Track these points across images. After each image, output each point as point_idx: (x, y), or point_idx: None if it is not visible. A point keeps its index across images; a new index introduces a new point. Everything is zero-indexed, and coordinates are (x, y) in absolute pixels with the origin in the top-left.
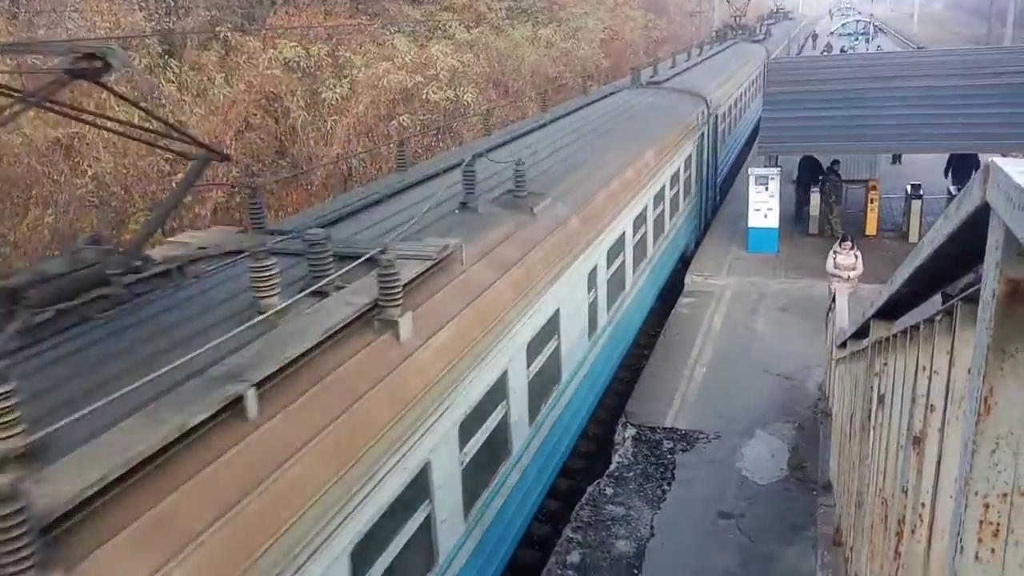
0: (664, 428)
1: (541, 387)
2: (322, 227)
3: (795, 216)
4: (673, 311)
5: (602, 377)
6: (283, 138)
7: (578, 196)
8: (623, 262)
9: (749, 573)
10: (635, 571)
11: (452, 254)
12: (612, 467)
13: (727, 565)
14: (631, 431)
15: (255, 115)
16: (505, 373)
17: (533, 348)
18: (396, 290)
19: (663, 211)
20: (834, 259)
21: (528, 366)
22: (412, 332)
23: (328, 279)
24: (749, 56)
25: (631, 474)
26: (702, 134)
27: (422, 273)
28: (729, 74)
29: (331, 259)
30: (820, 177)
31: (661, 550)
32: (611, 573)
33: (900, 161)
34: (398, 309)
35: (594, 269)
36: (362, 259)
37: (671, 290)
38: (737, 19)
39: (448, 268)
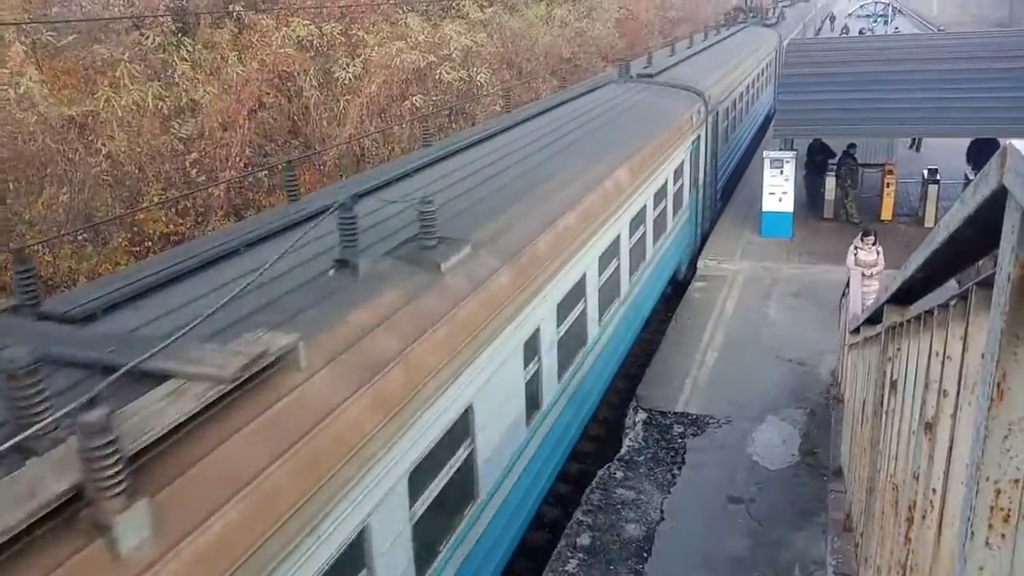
0: (675, 413)
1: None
2: (106, 308)
3: (805, 203)
4: (685, 296)
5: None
6: (296, 118)
7: (513, 240)
8: (583, 312)
9: (758, 558)
10: (644, 554)
11: (282, 359)
12: (623, 451)
13: (736, 550)
14: (642, 415)
15: (268, 94)
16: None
17: (418, 482)
18: (113, 468)
19: (644, 235)
20: (855, 255)
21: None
22: (149, 536)
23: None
24: (759, 42)
25: (641, 458)
26: (698, 137)
27: (207, 408)
28: (734, 64)
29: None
30: (836, 161)
31: (671, 534)
32: (620, 556)
33: (919, 149)
34: (117, 500)
35: (535, 335)
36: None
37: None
38: (749, 1)
39: (273, 383)
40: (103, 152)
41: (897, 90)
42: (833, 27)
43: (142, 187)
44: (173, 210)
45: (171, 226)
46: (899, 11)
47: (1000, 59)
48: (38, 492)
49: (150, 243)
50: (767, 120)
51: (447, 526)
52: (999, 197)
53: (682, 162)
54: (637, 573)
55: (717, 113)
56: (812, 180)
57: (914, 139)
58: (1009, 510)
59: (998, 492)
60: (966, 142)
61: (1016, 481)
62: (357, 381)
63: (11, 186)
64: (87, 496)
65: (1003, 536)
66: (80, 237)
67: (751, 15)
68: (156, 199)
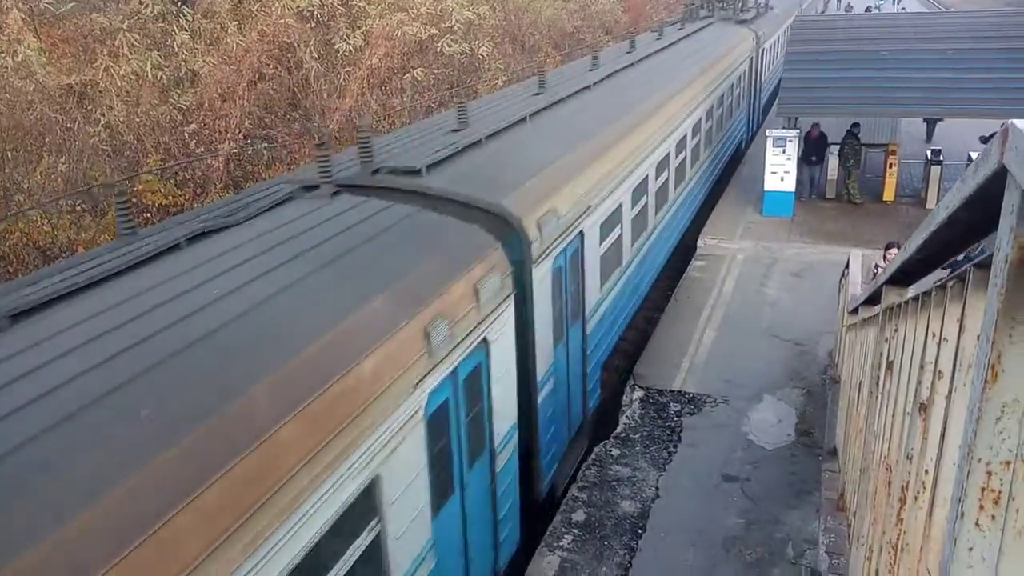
0: (672, 391)
1: None
2: None
3: (800, 192)
4: (684, 274)
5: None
6: (296, 89)
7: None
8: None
9: (752, 536)
10: (639, 531)
11: None
12: (619, 428)
13: (730, 528)
14: (639, 393)
15: (268, 65)
16: None
17: None
18: None
19: None
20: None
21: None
22: None
23: None
24: (722, 49)
25: (638, 436)
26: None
27: None
28: (649, 111)
29: None
30: (840, 141)
31: (665, 511)
32: (615, 532)
33: (930, 137)
34: None
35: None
36: None
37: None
38: None
39: None
40: (102, 122)
41: (903, 69)
42: (839, 6)
43: (140, 157)
44: (172, 181)
45: (170, 197)
46: None
47: (1008, 39)
48: None
49: (148, 214)
50: (737, 153)
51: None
52: (999, 177)
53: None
54: (631, 549)
55: (555, 265)
56: (802, 169)
57: (929, 126)
58: (1000, 491)
59: (989, 473)
60: (980, 127)
61: (1007, 463)
62: None
63: (9, 155)
64: None
65: (993, 517)
66: (79, 207)
67: (720, 5)
68: (155, 169)
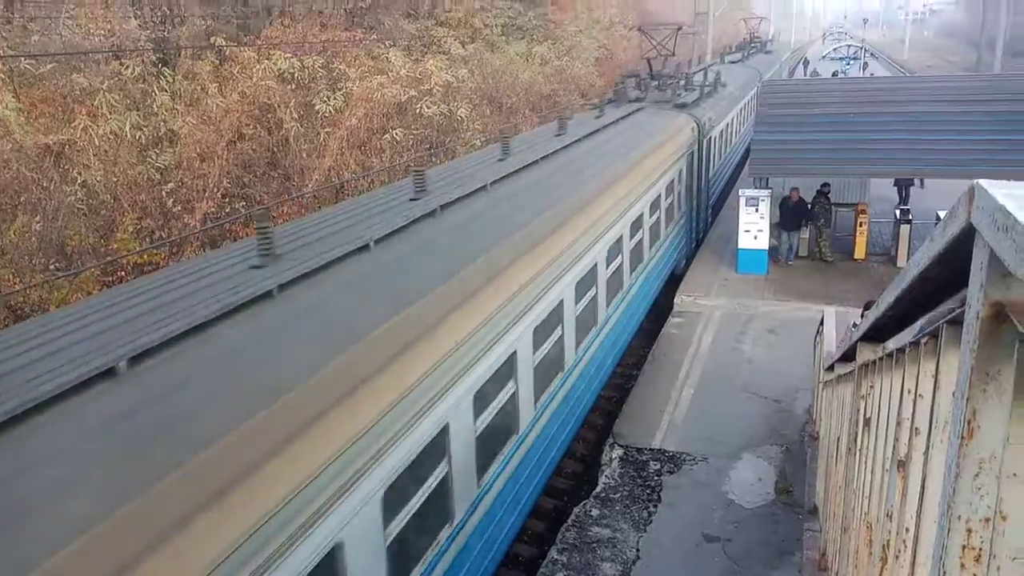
0: (651, 449)
1: None
2: None
3: (778, 256)
4: (662, 331)
5: None
6: (275, 149)
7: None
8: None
9: None
10: None
11: None
12: (598, 488)
13: None
14: (618, 452)
15: (248, 125)
16: None
17: None
18: None
19: None
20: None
21: None
22: None
23: None
24: (649, 145)
25: (617, 495)
26: None
27: None
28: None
29: None
30: (811, 202)
31: (646, 573)
32: None
33: (905, 199)
34: None
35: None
36: None
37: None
38: (655, 62)
39: None
40: (79, 181)
41: (871, 131)
42: (807, 72)
43: (117, 216)
44: (148, 240)
45: (145, 256)
46: (872, 54)
47: (971, 102)
48: None
49: (123, 272)
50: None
51: None
52: (968, 235)
53: None
54: None
55: None
56: (780, 234)
57: (914, 181)
58: (980, 549)
59: (969, 531)
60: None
61: (987, 520)
62: None
63: None
64: None
65: None
66: (52, 266)
67: (657, 84)
68: (131, 228)
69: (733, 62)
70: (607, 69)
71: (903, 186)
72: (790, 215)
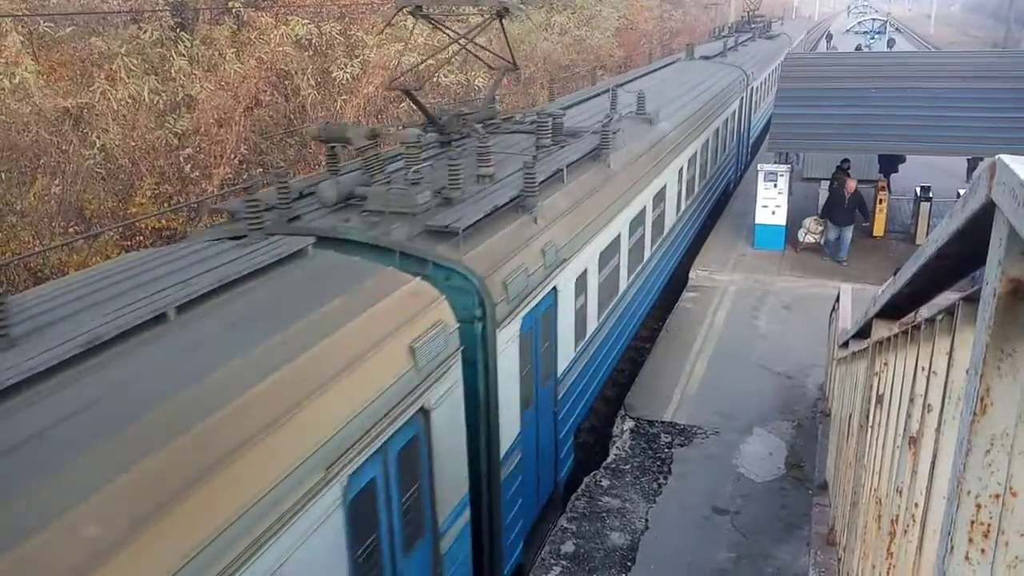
0: (663, 422)
1: None
2: None
3: (827, 245)
4: (676, 305)
5: None
6: (292, 116)
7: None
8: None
9: (742, 570)
10: (628, 563)
11: None
12: (609, 459)
13: (720, 561)
14: (629, 424)
15: (265, 92)
16: None
17: None
18: None
19: None
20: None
21: None
22: None
23: None
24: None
25: (628, 467)
26: None
27: None
28: None
29: None
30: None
31: (655, 543)
32: (604, 564)
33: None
34: None
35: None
36: None
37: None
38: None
39: None
40: (97, 145)
41: (892, 107)
42: (829, 46)
43: (135, 180)
44: (166, 205)
45: (163, 221)
46: (897, 28)
47: (995, 79)
48: None
49: (141, 237)
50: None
51: None
52: (987, 211)
53: None
54: None
55: None
56: (829, 228)
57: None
58: (989, 524)
59: (979, 506)
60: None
61: (996, 496)
62: None
63: (3, 176)
64: None
65: (983, 551)
66: (71, 229)
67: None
68: (149, 193)
69: (706, 57)
70: (628, 40)
71: (972, 167)
72: (843, 206)
